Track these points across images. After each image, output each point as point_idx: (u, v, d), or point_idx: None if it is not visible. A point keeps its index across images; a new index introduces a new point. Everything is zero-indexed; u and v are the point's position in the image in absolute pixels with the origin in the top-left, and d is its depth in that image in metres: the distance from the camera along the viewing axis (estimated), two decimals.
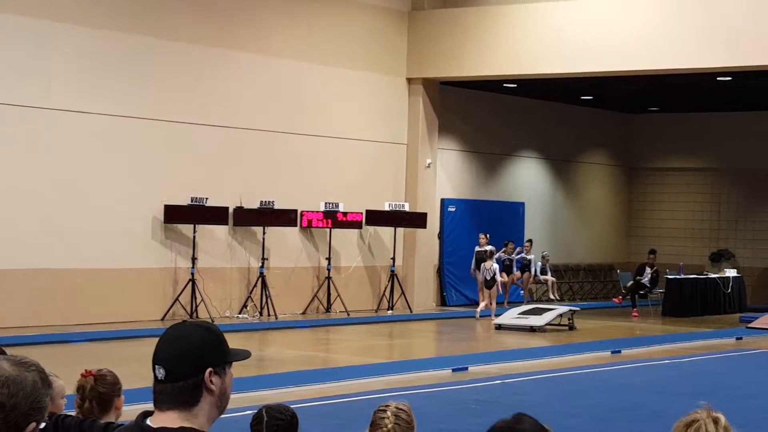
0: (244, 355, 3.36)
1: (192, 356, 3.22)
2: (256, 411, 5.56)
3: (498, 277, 26.48)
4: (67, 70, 20.77)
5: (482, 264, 26.68)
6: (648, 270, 28.91)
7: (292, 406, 5.67)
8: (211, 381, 3.21)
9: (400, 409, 5.25)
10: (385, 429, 5.16)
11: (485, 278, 26.34)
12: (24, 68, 20.20)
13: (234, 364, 3.32)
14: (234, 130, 23.61)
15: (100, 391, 5.33)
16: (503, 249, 29.08)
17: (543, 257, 30.26)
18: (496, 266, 26.55)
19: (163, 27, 22.29)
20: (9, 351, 4.16)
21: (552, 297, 30.38)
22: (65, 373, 5.52)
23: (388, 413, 5.21)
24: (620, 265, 33.21)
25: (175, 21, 22.54)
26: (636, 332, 24.21)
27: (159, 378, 3.21)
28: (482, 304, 26.21)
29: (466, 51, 26.22)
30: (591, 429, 12.35)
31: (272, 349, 19.67)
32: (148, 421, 3.24)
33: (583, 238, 34.30)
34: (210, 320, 20.76)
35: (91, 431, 4.51)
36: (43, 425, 3.09)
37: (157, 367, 3.22)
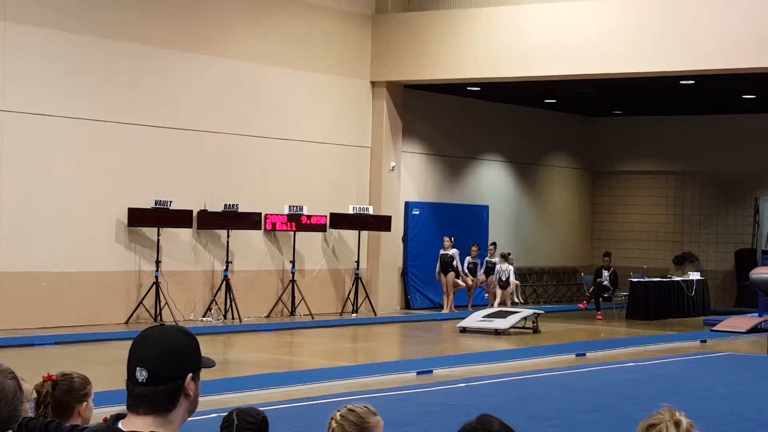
0: (211, 363, 3.34)
1: (175, 360, 3.18)
2: (226, 414, 5.55)
3: (513, 278, 28.16)
4: (28, 73, 20.63)
5: (498, 266, 28.38)
6: (605, 273, 29.08)
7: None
8: (190, 386, 3.19)
9: (351, 410, 5.24)
10: (330, 430, 5.16)
11: (500, 278, 27.93)
12: None
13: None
14: (198, 133, 23.54)
15: (57, 396, 5.25)
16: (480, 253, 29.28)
17: (505, 257, 30.23)
18: (510, 267, 28.18)
19: (125, 30, 22.18)
20: None
21: (516, 300, 30.44)
22: (30, 376, 5.47)
23: (337, 415, 5.20)
24: (584, 268, 33.35)
25: (137, 24, 22.43)
26: (600, 335, 24.31)
27: (139, 380, 3.16)
28: (496, 302, 27.70)
29: (430, 54, 26.27)
30: None
31: (237, 353, 19.61)
32: (120, 425, 3.21)
33: (546, 241, 34.42)
34: (175, 323, 20.69)
35: None
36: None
37: (138, 368, 3.16)
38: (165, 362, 3.17)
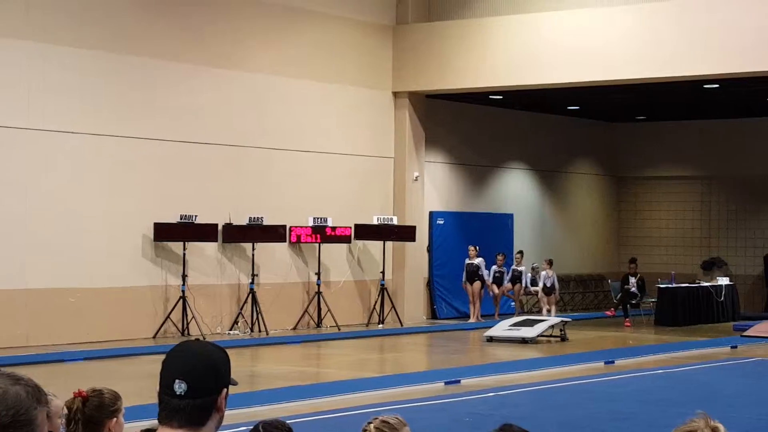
0: (234, 383, 3.35)
1: (214, 374, 3.19)
2: (251, 427, 5.52)
3: (557, 284, 28.71)
4: (54, 91, 20.72)
5: (541, 272, 28.72)
6: (632, 279, 28.94)
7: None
8: (223, 401, 3.20)
9: (385, 422, 5.22)
10: None
11: (545, 285, 28.35)
12: (11, 88, 20.15)
13: None
14: (222, 147, 23.58)
15: (87, 413, 5.24)
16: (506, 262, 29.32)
17: (532, 269, 30.21)
18: (554, 274, 28.55)
19: (150, 46, 22.26)
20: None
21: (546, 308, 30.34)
22: (60, 392, 5.47)
23: (371, 426, 5.18)
24: (611, 275, 33.20)
25: (162, 40, 22.51)
26: (629, 342, 24.19)
27: (178, 393, 3.14)
28: (544, 310, 28.20)
29: (451, 64, 26.24)
30: None
31: (264, 365, 19.61)
32: None
33: (572, 248, 34.30)
34: (202, 337, 20.70)
35: None
36: None
37: (178, 381, 3.14)
38: (205, 376, 3.17)
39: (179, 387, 3.14)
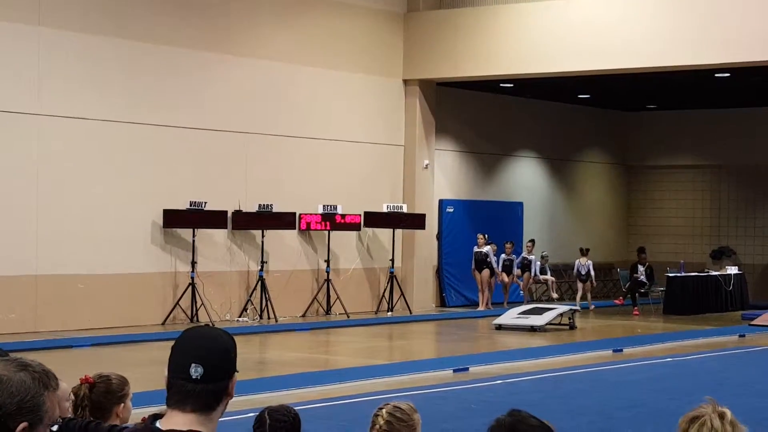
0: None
1: (228, 359, 3.22)
2: (258, 413, 5.54)
3: (593, 272, 29.27)
4: (64, 76, 20.75)
5: (577, 260, 29.44)
6: (641, 268, 28.92)
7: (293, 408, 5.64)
8: (233, 386, 3.23)
9: (398, 407, 5.23)
10: (377, 426, 5.15)
11: (580, 272, 29.14)
12: (20, 74, 20.19)
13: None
14: (232, 134, 23.60)
15: (94, 399, 5.25)
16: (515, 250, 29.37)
17: (542, 257, 30.23)
18: (590, 262, 29.17)
19: (159, 32, 22.28)
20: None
21: (552, 296, 30.37)
22: (68, 378, 5.49)
23: (384, 412, 5.19)
24: (620, 264, 33.18)
25: (171, 26, 22.52)
26: (637, 331, 24.19)
27: (194, 377, 3.16)
28: (578, 296, 29.00)
29: (462, 52, 26.20)
30: (593, 428, 12.32)
31: (273, 352, 19.65)
32: (158, 424, 3.21)
33: (582, 237, 34.23)
34: (211, 324, 20.74)
35: None
36: (55, 427, 3.06)
37: (194, 365, 3.16)
38: (220, 361, 3.20)
39: (195, 371, 3.15)
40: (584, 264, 29.29)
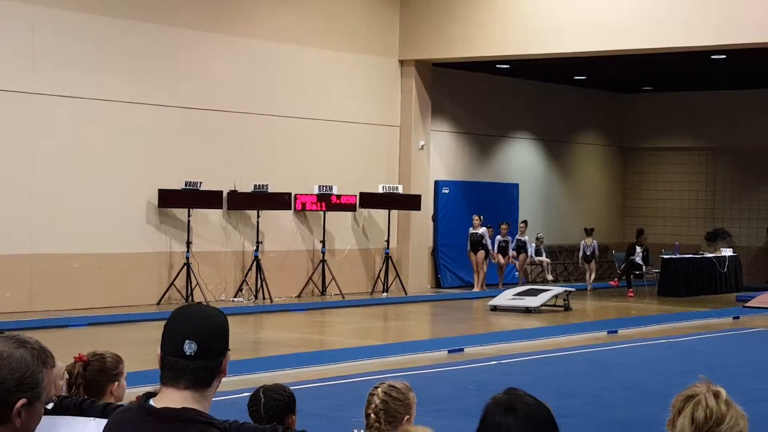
0: None
1: (222, 336, 3.23)
2: (252, 392, 5.54)
3: (597, 252, 30.12)
4: (58, 55, 20.70)
5: (582, 241, 30.29)
6: (638, 249, 28.94)
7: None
8: (226, 364, 3.23)
9: (393, 386, 5.24)
10: (372, 405, 5.16)
11: (585, 253, 29.98)
12: (15, 53, 20.14)
13: (231, 347, 3.33)
14: (227, 113, 23.56)
15: (88, 377, 5.25)
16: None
17: (537, 239, 30.26)
18: (595, 242, 30.01)
19: (156, 11, 22.21)
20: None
21: (548, 278, 30.41)
22: (63, 358, 5.49)
23: (379, 391, 5.20)
24: (615, 246, 33.21)
25: (167, 5, 22.45)
26: (632, 312, 24.23)
27: (188, 353, 3.17)
28: (591, 276, 29.90)
29: (458, 32, 26.15)
30: (588, 409, 12.36)
31: (268, 332, 19.66)
32: (152, 402, 3.22)
33: (577, 218, 34.27)
34: (206, 303, 20.75)
35: (89, 411, 4.49)
36: (50, 405, 3.06)
37: (188, 342, 3.17)
38: (214, 337, 3.22)
39: (189, 347, 3.16)
40: (590, 244, 29.99)
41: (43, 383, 2.94)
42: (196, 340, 3.16)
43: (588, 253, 30.09)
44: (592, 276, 29.95)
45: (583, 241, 30.32)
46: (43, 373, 2.95)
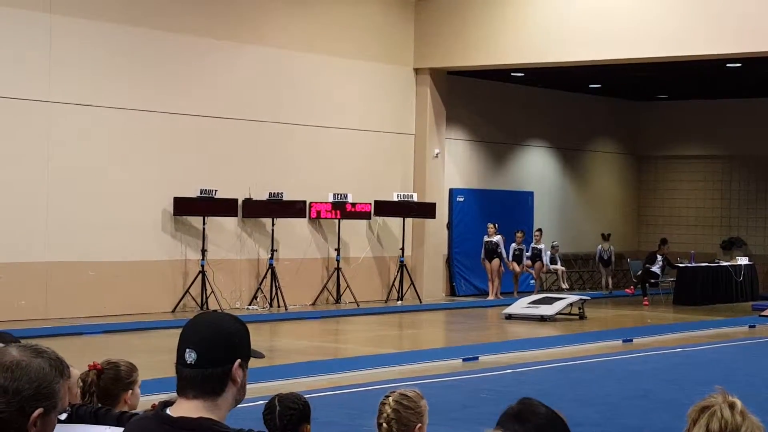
0: (260, 355, 3.37)
1: (225, 344, 3.20)
2: (268, 401, 5.54)
3: (613, 258, 30.91)
4: (75, 64, 20.77)
5: (599, 246, 31.22)
6: (659, 258, 28.83)
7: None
8: (237, 373, 3.20)
9: (404, 395, 5.23)
10: (384, 415, 5.15)
11: (602, 257, 31.02)
12: (31, 62, 20.20)
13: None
14: (242, 122, 23.60)
15: (102, 386, 5.26)
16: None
17: (552, 247, 30.22)
18: (612, 248, 30.93)
19: (170, 20, 22.28)
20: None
21: (563, 286, 30.36)
22: (79, 365, 5.50)
23: (390, 400, 5.19)
24: (630, 254, 33.14)
25: (182, 13, 22.52)
26: (647, 321, 24.17)
27: (188, 362, 3.18)
28: (609, 282, 30.88)
29: (473, 40, 26.16)
30: (603, 417, 12.32)
31: (283, 340, 19.67)
32: (168, 411, 3.22)
33: (592, 227, 34.21)
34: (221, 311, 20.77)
35: (105, 420, 4.50)
36: (64, 416, 3.07)
37: (188, 350, 3.18)
38: (214, 345, 3.19)
39: (189, 356, 3.17)
40: (606, 249, 30.90)
41: (59, 393, 2.95)
42: (195, 349, 3.17)
43: (605, 258, 30.75)
44: (610, 281, 30.79)
45: (599, 246, 30.97)
46: (59, 384, 2.96)
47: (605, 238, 31.08)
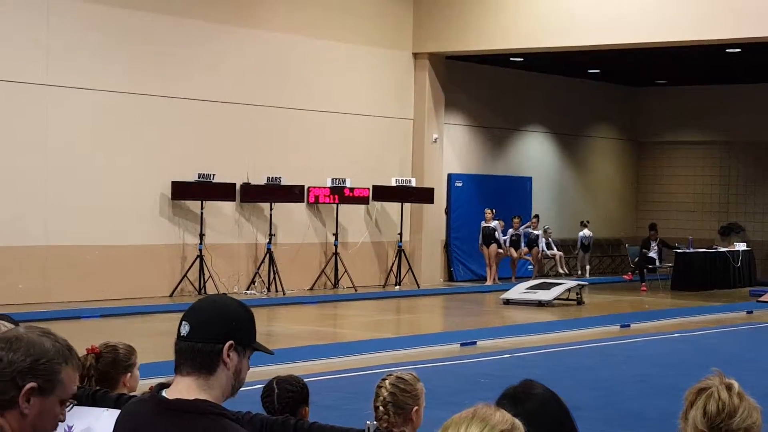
0: (269, 351, 3.37)
1: (220, 322, 3.22)
2: (266, 383, 5.54)
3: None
4: (72, 47, 20.73)
5: (580, 232, 31.37)
6: (653, 243, 28.86)
7: None
8: (228, 354, 3.19)
9: (401, 378, 5.23)
10: (380, 398, 5.16)
11: (583, 243, 31.26)
12: (29, 45, 20.16)
13: None
14: (240, 106, 23.57)
15: (101, 369, 5.26)
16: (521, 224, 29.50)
17: (545, 231, 30.17)
18: (591, 234, 31.33)
19: (169, 3, 22.23)
20: None
21: (561, 271, 30.37)
22: (76, 348, 5.50)
23: (386, 383, 5.20)
24: (629, 240, 33.16)
25: None
26: (645, 306, 24.20)
27: (182, 334, 3.21)
28: (587, 268, 31.17)
29: (472, 25, 26.11)
30: (600, 402, 12.34)
31: (280, 325, 19.68)
32: (164, 393, 3.22)
33: (590, 212, 34.21)
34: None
35: (102, 402, 4.50)
36: (69, 408, 3.05)
37: (183, 323, 3.22)
38: (208, 321, 3.21)
39: (183, 328, 3.20)
40: (587, 236, 31.32)
41: (59, 375, 2.91)
42: (189, 322, 3.20)
43: (586, 243, 31.45)
44: (587, 267, 31.44)
45: (580, 233, 31.47)
46: (61, 367, 2.91)
47: (584, 224, 31.57)
